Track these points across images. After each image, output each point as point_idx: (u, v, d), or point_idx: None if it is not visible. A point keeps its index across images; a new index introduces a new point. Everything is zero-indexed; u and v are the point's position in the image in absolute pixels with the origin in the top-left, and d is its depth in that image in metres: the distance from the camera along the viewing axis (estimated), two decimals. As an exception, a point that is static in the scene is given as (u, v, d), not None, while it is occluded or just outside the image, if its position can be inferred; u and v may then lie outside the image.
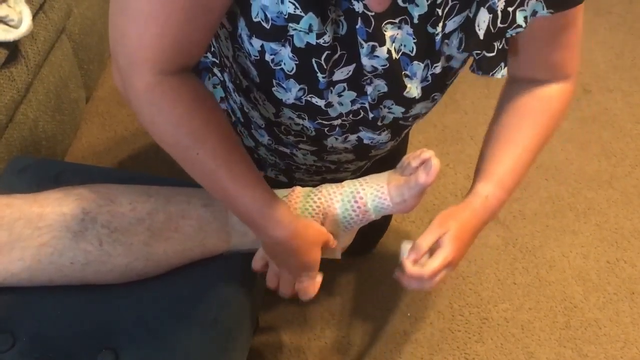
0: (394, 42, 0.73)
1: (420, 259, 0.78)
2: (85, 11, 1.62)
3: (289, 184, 1.03)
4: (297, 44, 0.70)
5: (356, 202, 0.82)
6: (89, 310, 0.82)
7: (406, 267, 0.77)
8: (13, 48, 1.24)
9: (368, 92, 0.80)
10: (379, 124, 0.87)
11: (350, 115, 0.84)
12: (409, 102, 0.83)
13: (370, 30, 0.70)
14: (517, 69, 0.84)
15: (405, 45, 0.74)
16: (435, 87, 0.82)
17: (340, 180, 0.89)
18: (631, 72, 1.91)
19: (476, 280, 1.42)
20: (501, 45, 0.76)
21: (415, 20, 0.71)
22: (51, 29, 1.39)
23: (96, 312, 0.82)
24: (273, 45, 0.71)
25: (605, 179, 1.63)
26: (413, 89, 0.79)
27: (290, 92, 0.78)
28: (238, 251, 0.86)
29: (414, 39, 0.73)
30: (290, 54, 0.72)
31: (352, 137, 0.89)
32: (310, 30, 0.68)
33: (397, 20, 0.71)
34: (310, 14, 0.66)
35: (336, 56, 0.73)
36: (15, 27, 1.21)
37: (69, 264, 0.78)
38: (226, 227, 0.83)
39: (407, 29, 0.72)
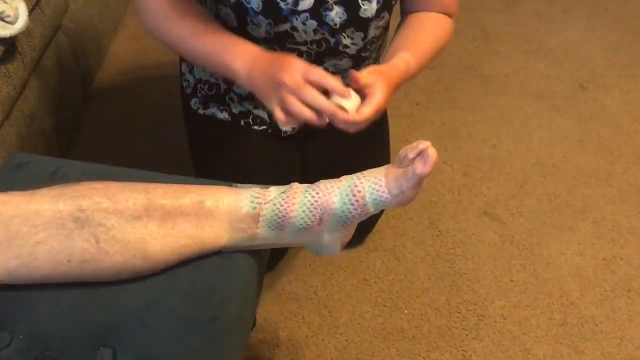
0: None
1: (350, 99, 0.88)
2: (82, 7, 1.62)
3: None
4: None
5: (354, 195, 0.82)
6: (87, 308, 0.82)
7: (343, 113, 0.86)
8: (9, 44, 1.23)
9: (328, 21, 1.01)
10: (341, 49, 1.07)
11: (315, 45, 1.05)
12: (365, 25, 1.03)
13: None
14: (414, 5, 1.08)
15: None
16: (384, 6, 1.04)
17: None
18: (628, 69, 1.91)
19: (473, 277, 1.42)
20: None
21: None
22: (47, 25, 1.38)
23: (94, 309, 0.82)
24: None
25: (603, 176, 1.63)
26: (369, 9, 1.00)
27: (261, 28, 1.01)
28: (236, 248, 0.86)
29: None
30: None
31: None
32: None
33: None
34: None
35: None
36: (12, 23, 1.20)
37: (65, 261, 0.78)
38: (224, 224, 0.83)
39: None
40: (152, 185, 0.84)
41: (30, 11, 1.29)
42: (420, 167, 0.78)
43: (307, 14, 1.00)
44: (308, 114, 0.85)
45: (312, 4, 0.98)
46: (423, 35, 1.06)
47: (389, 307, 1.37)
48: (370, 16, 1.02)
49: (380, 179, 0.83)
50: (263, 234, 0.84)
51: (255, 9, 0.98)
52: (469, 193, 1.58)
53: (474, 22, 2.08)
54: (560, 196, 1.58)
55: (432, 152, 0.78)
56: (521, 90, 1.84)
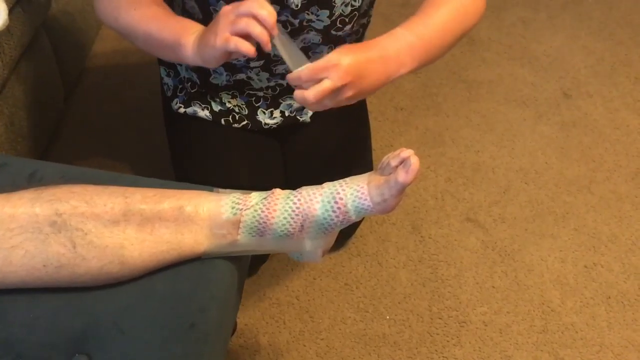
0: None
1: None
2: (65, 6, 1.60)
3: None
4: None
5: (336, 202, 0.82)
6: (62, 314, 0.80)
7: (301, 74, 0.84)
8: (-12, 43, 1.21)
9: (289, 3, 1.00)
10: (305, 24, 1.05)
11: (279, 25, 0.98)
12: (330, 2, 1.01)
13: None
14: None
15: None
16: None
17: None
18: (611, 77, 1.93)
19: (455, 283, 1.42)
20: None
21: None
22: (28, 24, 1.36)
23: (70, 315, 0.80)
24: None
25: (584, 184, 1.64)
26: None
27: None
28: (216, 254, 0.85)
29: None
30: None
31: None
32: None
33: None
34: None
35: None
36: (-9, 21, 1.18)
37: (41, 266, 0.76)
38: (204, 229, 0.82)
39: None
40: (130, 190, 0.83)
41: (11, 10, 1.27)
42: (402, 176, 0.78)
43: None
44: (256, 29, 0.82)
45: None
46: (432, 10, 0.97)
47: (370, 312, 1.36)
48: None
49: (362, 187, 0.82)
50: (244, 241, 0.83)
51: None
52: (452, 199, 1.58)
53: (459, 28, 2.08)
54: (542, 203, 1.59)
55: (414, 161, 0.78)
56: (505, 96, 1.84)
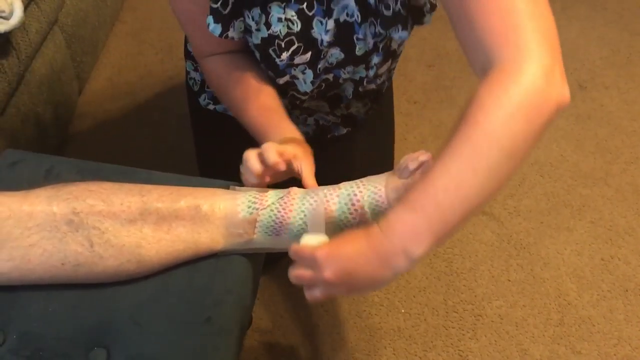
0: (345, 9, 0.92)
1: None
2: (78, 3, 1.61)
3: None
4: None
5: (353, 204, 0.81)
6: (80, 308, 0.81)
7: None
8: (4, 40, 1.22)
9: (319, 66, 0.98)
10: (341, 82, 1.05)
11: (315, 89, 1.04)
12: (363, 61, 1.00)
13: (324, 8, 0.91)
14: (465, 52, 0.73)
15: (354, 13, 0.92)
16: (376, 45, 0.98)
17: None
18: (627, 68, 1.91)
19: (470, 276, 1.42)
20: (397, 7, 0.90)
21: None
22: (43, 21, 1.37)
23: (88, 309, 0.81)
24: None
25: (600, 176, 1.62)
26: (363, 48, 0.97)
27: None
28: (231, 252, 0.85)
29: (357, 6, 0.91)
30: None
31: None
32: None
33: None
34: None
35: (294, 47, 0.93)
36: (6, 18, 1.19)
37: (59, 265, 0.77)
38: (220, 228, 0.82)
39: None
40: (147, 188, 0.83)
41: (26, 7, 1.28)
42: None
43: (305, 66, 0.99)
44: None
45: (308, 58, 0.97)
46: (436, 166, 0.68)
47: (385, 306, 1.36)
48: (367, 50, 0.99)
49: (380, 189, 0.81)
50: (259, 239, 0.83)
51: (259, 60, 1.00)
52: (466, 192, 1.57)
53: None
54: (558, 196, 1.58)
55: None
56: (520, 88, 1.83)
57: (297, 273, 0.72)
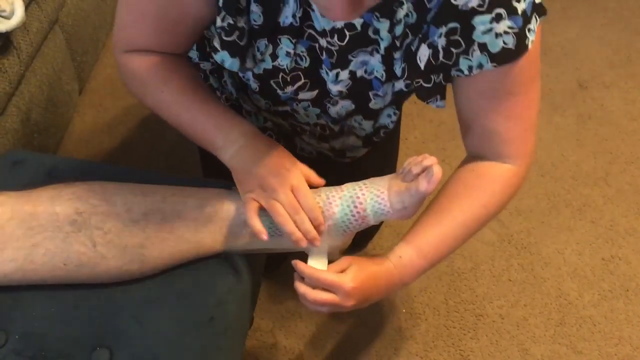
0: (365, 65, 0.84)
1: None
2: (79, 2, 1.60)
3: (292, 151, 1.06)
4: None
5: (355, 207, 0.81)
6: (83, 308, 0.81)
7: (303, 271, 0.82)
8: (5, 39, 1.22)
9: (330, 112, 0.94)
10: (346, 130, 1.02)
11: (319, 128, 1.01)
12: (376, 113, 0.97)
13: (334, 61, 0.83)
14: (468, 143, 0.92)
15: (377, 71, 0.85)
16: (394, 100, 0.95)
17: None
18: (627, 68, 1.91)
19: (471, 276, 1.42)
20: (439, 79, 0.83)
21: (382, 52, 0.82)
22: (44, 20, 1.37)
23: (91, 309, 0.81)
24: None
25: (601, 175, 1.62)
26: (379, 103, 0.92)
27: (260, 102, 0.98)
28: (234, 253, 0.85)
29: (383, 66, 0.84)
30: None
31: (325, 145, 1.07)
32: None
33: (369, 49, 0.82)
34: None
35: (300, 83, 0.87)
36: (7, 18, 1.19)
37: (62, 265, 0.76)
38: (223, 229, 0.82)
39: (378, 57, 0.83)
40: (150, 188, 0.83)
41: (27, 6, 1.28)
42: (424, 185, 0.77)
43: (308, 103, 0.93)
44: (292, 229, 0.79)
45: (314, 95, 0.91)
46: (450, 219, 0.87)
47: (386, 306, 1.36)
48: (382, 106, 0.95)
49: (382, 192, 0.81)
50: (262, 240, 0.83)
51: (253, 89, 0.93)
52: (467, 192, 1.57)
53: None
54: (558, 195, 1.58)
55: (437, 170, 0.76)
56: (520, 88, 1.83)
57: (319, 298, 0.80)
